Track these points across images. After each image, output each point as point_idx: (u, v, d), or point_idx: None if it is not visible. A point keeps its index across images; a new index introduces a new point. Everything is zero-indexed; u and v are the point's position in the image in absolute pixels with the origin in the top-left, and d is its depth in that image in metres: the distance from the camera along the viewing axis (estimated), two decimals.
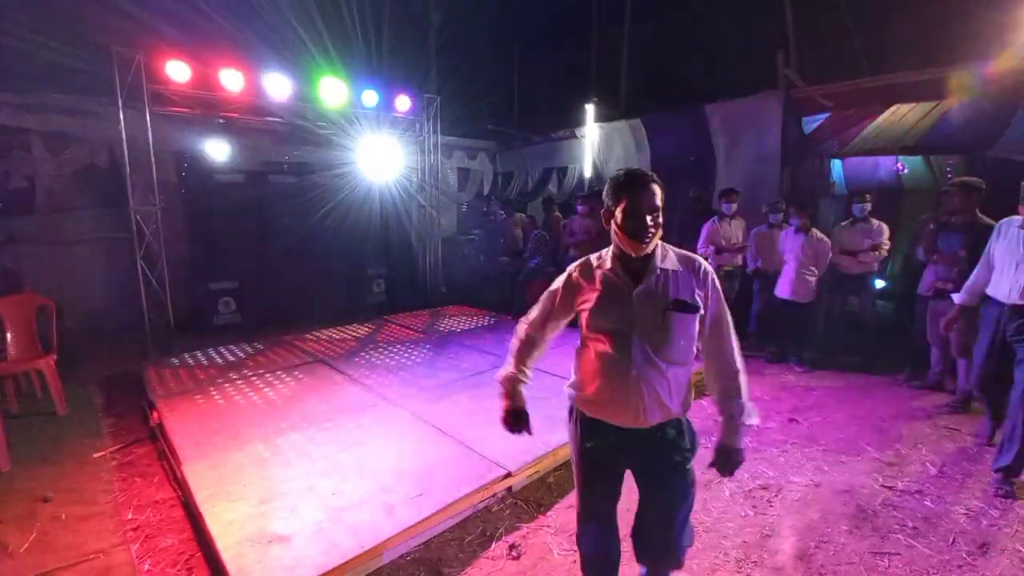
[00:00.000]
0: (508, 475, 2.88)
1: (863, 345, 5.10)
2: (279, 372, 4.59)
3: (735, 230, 5.49)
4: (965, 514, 2.71)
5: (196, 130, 6.66)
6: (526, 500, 2.87)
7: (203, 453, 3.08)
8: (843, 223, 5.08)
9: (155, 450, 3.47)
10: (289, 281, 6.90)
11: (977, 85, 5.30)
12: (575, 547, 2.46)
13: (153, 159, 5.41)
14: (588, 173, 8.43)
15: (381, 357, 5.05)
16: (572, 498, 2.88)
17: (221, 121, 6.07)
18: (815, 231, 5.05)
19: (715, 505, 2.83)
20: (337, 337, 5.85)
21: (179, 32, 6.18)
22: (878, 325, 5.25)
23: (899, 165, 6.15)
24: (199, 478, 2.79)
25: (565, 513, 2.76)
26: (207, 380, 4.38)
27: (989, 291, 3.10)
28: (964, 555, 2.40)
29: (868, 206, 4.89)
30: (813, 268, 4.97)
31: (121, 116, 5.16)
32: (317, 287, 7.17)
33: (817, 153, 6.73)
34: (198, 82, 5.54)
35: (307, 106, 6.46)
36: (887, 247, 4.82)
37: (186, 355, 5.10)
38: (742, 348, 5.23)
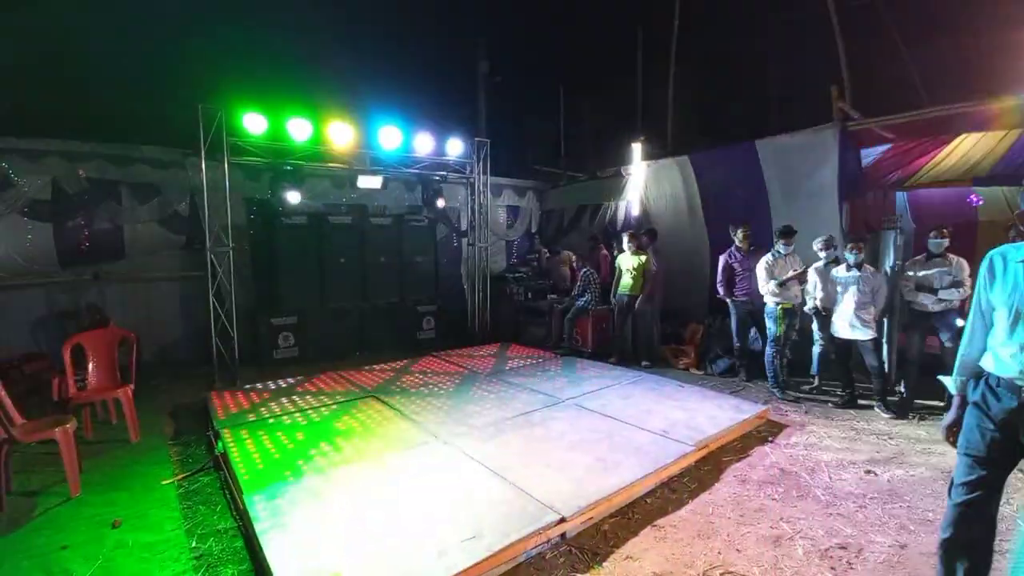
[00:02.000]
0: (562, 520, 2.78)
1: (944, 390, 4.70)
2: (333, 406, 4.70)
3: (791, 266, 5.28)
4: None
5: (265, 177, 7.21)
6: (581, 548, 2.76)
7: (262, 484, 3.16)
8: (917, 258, 4.79)
9: (219, 479, 3.60)
10: (344, 317, 7.18)
11: None
12: None
13: (228, 204, 5.84)
14: (636, 211, 8.40)
15: (431, 394, 5.09)
16: (630, 548, 2.76)
17: (288, 168, 6.51)
18: (868, 267, 4.81)
19: (790, 565, 2.61)
20: (388, 373, 5.95)
21: (251, 84, 6.78)
22: None
23: (973, 196, 5.79)
24: (259, 509, 2.86)
25: (622, 565, 2.62)
26: (267, 412, 4.53)
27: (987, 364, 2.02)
28: None
29: (946, 241, 4.61)
30: (870, 305, 4.72)
31: (203, 166, 5.64)
32: (369, 323, 7.41)
33: (879, 186, 6.47)
34: (269, 132, 6.01)
35: (365, 152, 6.85)
36: (969, 284, 4.49)
37: (247, 386, 5.32)
38: (806, 392, 4.90)
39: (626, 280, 6.84)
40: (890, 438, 4.23)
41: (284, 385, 5.41)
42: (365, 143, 6.73)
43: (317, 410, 4.60)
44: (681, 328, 7.21)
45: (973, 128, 5.60)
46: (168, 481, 3.57)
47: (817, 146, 6.34)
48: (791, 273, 5.19)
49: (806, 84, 6.81)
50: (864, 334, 4.73)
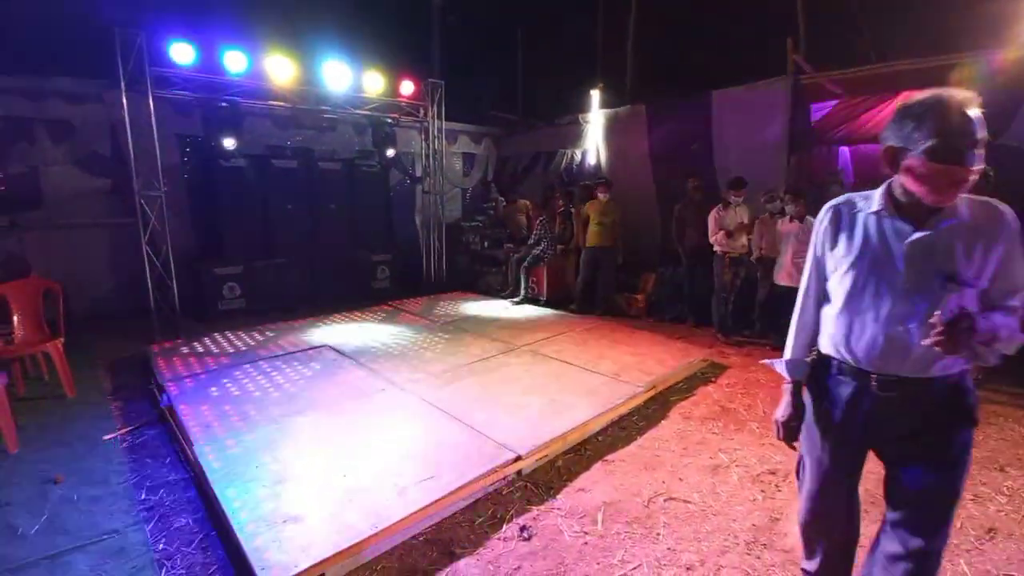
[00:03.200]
0: (518, 458, 2.89)
1: None
2: (286, 357, 4.59)
3: (739, 217, 5.46)
4: (972, 500, 2.73)
5: (198, 114, 6.64)
6: (536, 483, 2.89)
7: (214, 435, 3.09)
8: None
9: (166, 432, 3.49)
10: (293, 267, 6.91)
11: (985, 74, 5.24)
12: (585, 529, 2.51)
13: (157, 143, 5.35)
14: (592, 160, 8.37)
15: (387, 343, 5.06)
16: (581, 481, 2.92)
17: (224, 104, 5.99)
18: (809, 219, 5.05)
19: (726, 489, 2.85)
20: (342, 323, 5.85)
21: (180, 12, 6.10)
22: None
23: None
24: (211, 460, 2.80)
25: (575, 496, 2.78)
26: (215, 364, 4.38)
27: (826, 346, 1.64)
28: (972, 540, 2.42)
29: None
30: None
31: (124, 100, 5.10)
32: (321, 273, 7.17)
33: (825, 141, 6.70)
34: (201, 64, 5.47)
35: (309, 90, 6.39)
36: None
37: (193, 340, 5.10)
38: (747, 336, 5.10)
39: (594, 230, 6.80)
40: None
41: (232, 336, 5.22)
42: (309, 80, 6.26)
43: (269, 360, 4.49)
44: (634, 277, 7.39)
45: (917, 85, 5.78)
46: (110, 436, 3.43)
47: (770, 99, 6.45)
48: (739, 223, 5.37)
49: (763, 35, 6.80)
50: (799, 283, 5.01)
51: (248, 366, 4.35)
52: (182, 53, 5.27)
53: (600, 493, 2.80)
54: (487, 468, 2.75)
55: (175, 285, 5.66)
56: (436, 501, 2.48)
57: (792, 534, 2.47)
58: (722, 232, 5.36)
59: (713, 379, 4.51)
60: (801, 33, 6.85)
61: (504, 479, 2.83)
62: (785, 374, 1.73)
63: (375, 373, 4.17)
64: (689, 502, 2.74)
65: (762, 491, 2.84)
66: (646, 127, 7.74)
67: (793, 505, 2.68)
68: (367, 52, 7.37)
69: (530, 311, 6.53)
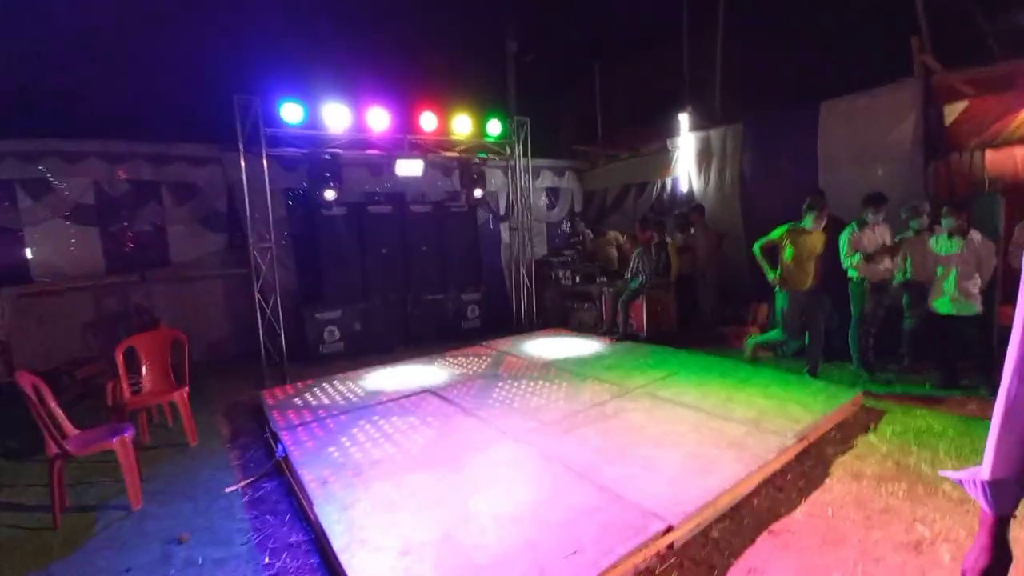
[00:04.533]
0: (669, 529, 2.47)
1: None
2: (389, 404, 4.48)
3: (879, 238, 4.78)
4: None
5: (302, 169, 7.02)
6: (694, 560, 2.44)
7: (331, 493, 2.94)
8: None
9: (283, 485, 3.41)
10: (387, 310, 6.99)
11: None
12: None
13: (269, 199, 5.65)
14: (684, 187, 7.93)
15: (488, 386, 4.83)
16: (749, 559, 2.43)
17: (327, 158, 6.27)
18: (974, 233, 4.30)
19: (937, 573, 2.25)
20: (438, 365, 5.72)
21: (284, 75, 6.55)
22: None
23: None
24: (332, 522, 2.63)
25: None
26: (324, 412, 4.34)
27: None
28: None
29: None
30: (977, 276, 4.26)
31: (242, 162, 5.45)
32: (414, 315, 7.19)
33: (963, 146, 5.86)
34: (307, 122, 5.78)
35: (403, 137, 6.56)
36: None
37: (300, 385, 5.16)
38: (895, 371, 4.14)
39: (674, 262, 6.76)
40: None
41: (336, 381, 5.23)
42: (401, 127, 6.44)
43: (374, 407, 4.39)
44: (743, 308, 6.77)
45: None
46: (232, 488, 3.40)
47: (896, 104, 5.78)
48: (881, 245, 4.69)
49: (870, 37, 6.18)
50: (969, 309, 4.25)
51: (356, 412, 4.27)
52: (292, 113, 5.59)
53: None
54: (637, 541, 2.36)
55: (282, 331, 5.83)
56: None
57: None
58: (859, 255, 4.71)
59: (872, 426, 3.83)
60: (923, 30, 6.13)
61: (656, 555, 2.42)
62: (984, 502, 1.08)
63: (485, 422, 3.92)
64: None
65: None
66: (739, 147, 7.23)
67: None
68: (449, 98, 7.55)
69: (631, 349, 6.09)
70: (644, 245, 6.84)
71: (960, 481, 1.13)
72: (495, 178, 8.50)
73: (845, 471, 3.21)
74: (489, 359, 5.90)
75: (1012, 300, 1.04)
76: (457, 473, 3.13)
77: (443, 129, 6.71)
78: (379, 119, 6.12)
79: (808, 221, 4.72)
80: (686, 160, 7.81)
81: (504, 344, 6.57)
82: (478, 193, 7.48)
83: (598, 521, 2.54)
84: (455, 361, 5.87)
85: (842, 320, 5.17)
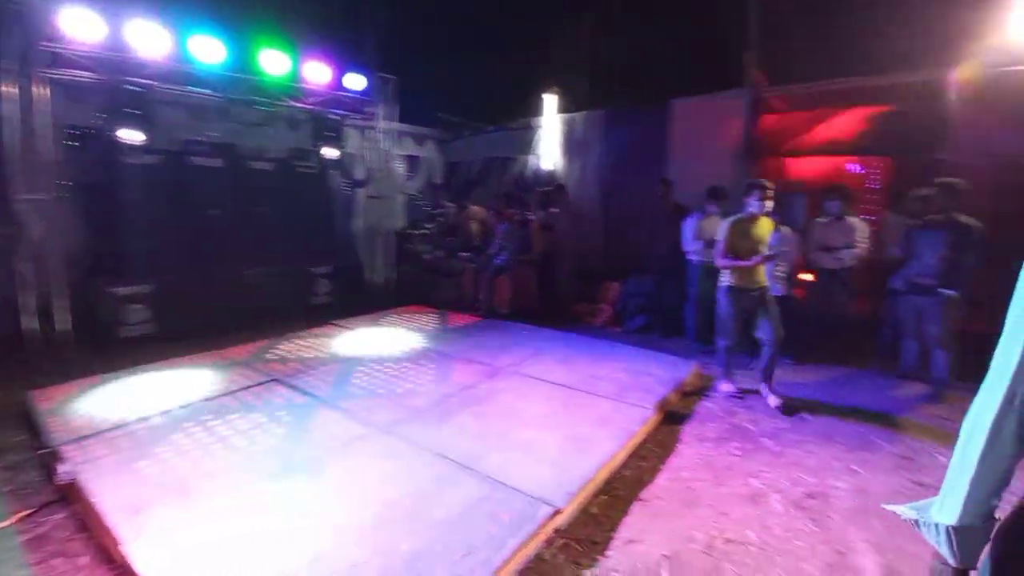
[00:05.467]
0: (557, 512, 2.46)
1: (840, 339, 5.24)
2: (224, 397, 3.77)
3: (717, 226, 5.42)
4: None
5: (94, 102, 5.45)
6: (578, 539, 2.47)
7: (147, 523, 2.32)
8: (820, 219, 5.17)
9: (74, 517, 2.62)
10: (217, 283, 5.90)
11: (924, 93, 5.65)
12: None
13: (45, 136, 4.25)
14: (547, 166, 8.12)
15: (348, 372, 4.37)
16: (627, 530, 2.54)
17: (133, 89, 4.93)
18: (783, 227, 5.13)
19: (775, 522, 2.61)
20: (284, 348, 5.03)
21: None
22: (850, 320, 5.41)
23: (857, 165, 6.48)
24: (153, 567, 2.07)
25: (627, 551, 2.39)
26: (130, 413, 3.47)
27: None
28: None
29: (840, 203, 5.02)
30: (783, 263, 5.06)
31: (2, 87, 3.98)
32: (250, 290, 6.19)
33: (775, 153, 6.95)
34: (105, 41, 4.44)
35: (239, 78, 5.48)
36: (863, 244, 4.96)
37: (90, 379, 4.06)
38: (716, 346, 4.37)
39: (537, 240, 6.83)
40: (803, 385, 4.61)
41: (146, 373, 4.25)
42: (239, 65, 5.36)
43: (204, 403, 3.65)
44: (595, 286, 7.22)
45: (863, 103, 6.14)
46: (4, 524, 2.51)
47: (729, 110, 6.58)
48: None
49: (718, 47, 6.93)
50: (775, 291, 5.04)
51: (179, 413, 3.49)
52: (87, 25, 4.23)
53: (653, 543, 2.45)
54: (527, 530, 2.30)
55: (70, 309, 4.53)
56: None
57: (869, 570, 2.28)
58: (701, 242, 5.28)
59: (708, 393, 4.36)
60: (756, 47, 7.03)
61: (545, 540, 2.38)
62: (947, 552, 0.94)
63: (347, 414, 3.51)
64: (747, 543, 2.46)
65: (812, 519, 2.64)
66: (601, 133, 7.64)
67: (851, 534, 2.51)
68: (306, 42, 6.53)
69: (496, 326, 6.08)
70: (509, 222, 6.85)
71: (915, 523, 0.99)
72: (351, 139, 7.68)
73: (692, 435, 3.59)
74: (347, 340, 5.37)
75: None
76: (320, 478, 2.73)
77: (293, 75, 5.77)
78: (210, 50, 5.00)
79: (752, 207, 3.94)
80: (550, 140, 7.98)
81: (362, 323, 6.05)
82: (334, 154, 6.66)
83: (486, 513, 2.42)
84: (306, 343, 5.23)
85: (681, 298, 5.79)
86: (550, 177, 8.00)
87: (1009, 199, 5.28)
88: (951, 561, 0.93)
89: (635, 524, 2.60)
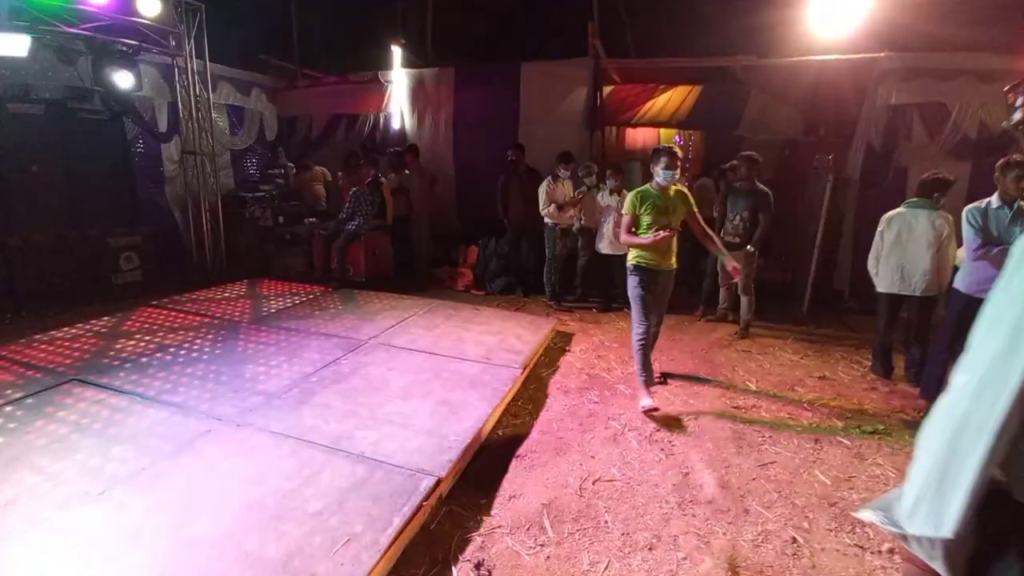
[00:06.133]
0: (439, 482, 2.42)
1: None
2: (13, 410, 2.94)
3: (567, 191, 5.71)
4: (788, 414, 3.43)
5: None
6: (462, 505, 2.48)
7: None
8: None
9: None
10: None
11: (729, 75, 6.54)
12: (540, 542, 2.26)
13: None
14: (396, 124, 7.66)
15: (176, 361, 3.71)
16: (508, 487, 2.64)
17: None
18: (625, 192, 5.64)
19: (633, 456, 2.94)
20: (89, 340, 4.08)
21: None
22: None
23: (677, 137, 7.29)
24: None
25: (511, 507, 2.48)
26: None
27: None
28: (809, 450, 3.03)
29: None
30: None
31: None
32: (29, 269, 4.86)
33: (611, 122, 7.48)
34: None
35: None
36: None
37: None
38: (572, 301, 5.37)
39: (389, 203, 6.57)
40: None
41: None
42: None
43: None
44: (450, 249, 7.16)
45: (683, 81, 6.86)
46: None
47: (575, 78, 6.84)
48: (571, 197, 5.59)
49: (566, 16, 7.10)
50: (621, 251, 5.54)
51: None
52: None
53: (533, 495, 2.57)
54: (412, 505, 2.22)
55: None
56: (371, 572, 1.87)
57: (706, 483, 2.69)
58: (553, 205, 5.52)
59: (567, 348, 4.66)
60: (596, 19, 7.35)
61: (430, 513, 2.34)
62: (941, 566, 0.89)
63: (183, 409, 2.99)
64: (613, 480, 2.73)
65: (662, 449, 3.03)
66: (452, 92, 7.42)
67: (692, 456, 2.94)
68: None
69: (351, 296, 5.69)
70: (360, 184, 6.36)
71: (904, 537, 0.91)
72: (149, 79, 6.27)
73: (557, 389, 3.82)
74: (168, 322, 4.55)
75: None
76: (154, 490, 2.30)
77: None
78: None
79: (659, 176, 3.33)
80: (399, 97, 7.51)
81: (186, 302, 5.17)
82: (126, 84, 5.34)
83: (366, 495, 2.29)
84: (111, 330, 4.30)
85: (538, 260, 6.05)
86: (401, 136, 7.58)
87: (787, 172, 6.53)
88: (944, 572, 0.88)
89: (514, 480, 2.71)
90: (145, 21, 5.19)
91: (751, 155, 4.90)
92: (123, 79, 5.33)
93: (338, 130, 7.96)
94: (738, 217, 4.91)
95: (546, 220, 5.66)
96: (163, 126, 6.71)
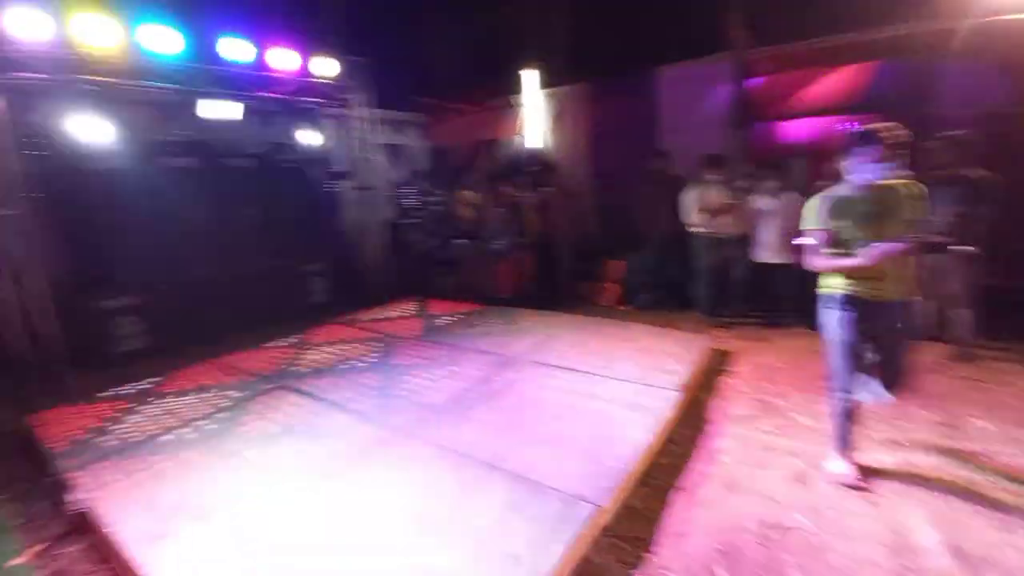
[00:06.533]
0: (599, 510, 2.32)
1: None
2: (229, 409, 3.57)
3: (718, 196, 5.26)
4: None
5: (44, 105, 5.07)
6: (623, 537, 2.34)
7: (169, 551, 2.16)
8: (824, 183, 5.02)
9: (91, 549, 2.43)
10: (205, 290, 5.63)
11: (905, 46, 5.50)
12: None
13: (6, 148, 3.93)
14: (533, 144, 7.86)
15: (356, 372, 4.18)
16: (673, 523, 2.42)
17: (90, 89, 4.56)
18: (789, 192, 4.98)
19: (826, 504, 2.50)
20: (287, 352, 4.81)
21: None
22: None
23: (853, 124, 6.31)
24: None
25: (677, 546, 2.27)
26: (136, 433, 3.26)
27: None
28: None
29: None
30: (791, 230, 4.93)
31: None
32: (242, 294, 5.92)
33: (763, 116, 6.76)
34: (53, 39, 4.08)
35: (200, 69, 5.10)
36: None
37: (87, 402, 3.84)
38: (726, 316, 5.07)
39: (531, 221, 6.65)
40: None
41: (145, 388, 4.03)
42: (198, 54, 4.98)
43: (212, 417, 3.45)
44: (595, 265, 7.05)
45: (848, 61, 5.96)
46: (19, 561, 2.33)
47: (715, 75, 6.36)
48: (722, 204, 5.15)
49: (701, 9, 6.66)
50: (785, 259, 4.91)
51: (183, 432, 3.29)
52: (33, 23, 3.86)
53: (702, 536, 2.32)
54: (571, 532, 2.16)
55: (54, 329, 4.25)
56: None
57: (932, 548, 2.18)
58: (703, 213, 5.12)
59: (728, 369, 4.24)
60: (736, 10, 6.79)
61: (591, 541, 2.24)
62: None
63: (364, 417, 3.33)
64: (801, 528, 2.35)
65: (865, 499, 2.53)
66: (588, 106, 7.39)
67: (909, 512, 2.40)
68: (269, 27, 6.14)
69: (499, 313, 5.89)
70: (503, 205, 6.63)
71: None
72: (328, 130, 7.33)
73: (721, 415, 3.47)
74: (349, 338, 5.16)
75: None
76: (340, 492, 2.56)
77: (258, 63, 5.40)
78: (165, 40, 4.61)
79: (866, 171, 2.42)
80: (535, 117, 7.71)
81: (362, 318, 5.84)
82: (314, 142, 6.34)
83: (524, 517, 2.28)
84: (307, 344, 5.01)
85: (687, 272, 5.65)
86: (539, 156, 7.74)
87: (995, 149, 5.21)
88: None
89: (679, 515, 2.48)
90: (325, 81, 6.07)
91: (953, 135, 4.00)
92: (310, 135, 6.29)
93: (481, 155, 8.43)
94: (948, 212, 4.02)
95: (695, 229, 5.26)
96: (340, 168, 7.79)
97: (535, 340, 4.72)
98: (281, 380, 4.04)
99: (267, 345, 5.04)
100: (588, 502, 2.35)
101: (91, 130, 4.87)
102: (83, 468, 2.86)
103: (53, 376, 4.26)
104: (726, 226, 5.23)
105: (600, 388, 3.60)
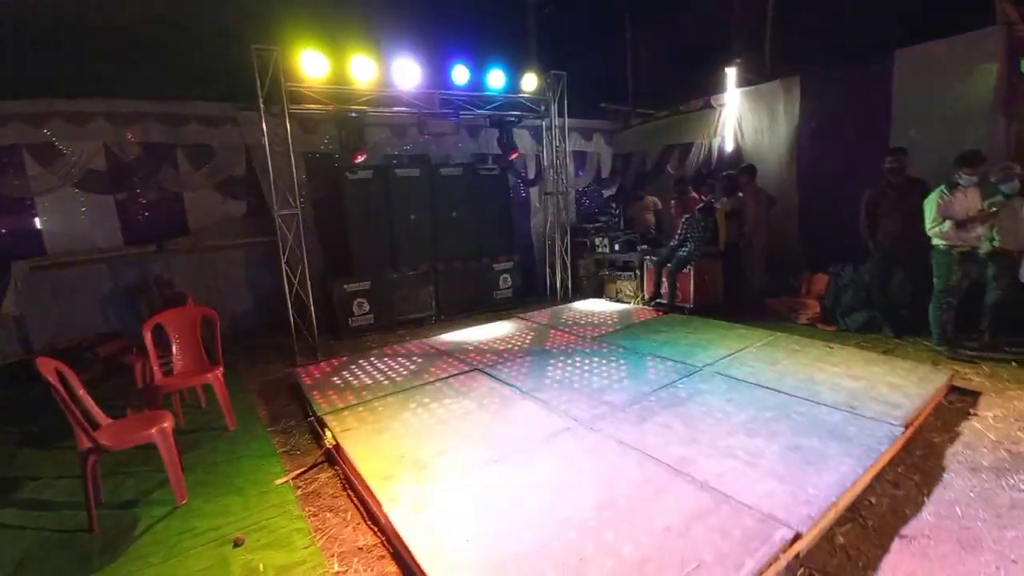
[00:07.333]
0: (797, 537, 2.17)
1: None
2: (438, 384, 4.17)
3: (972, 202, 4.33)
4: None
5: (322, 129, 6.58)
6: (824, 572, 2.15)
7: (398, 491, 2.65)
8: None
9: (337, 476, 3.14)
10: (417, 279, 6.64)
11: None
12: None
13: (293, 161, 5.21)
14: (729, 147, 7.40)
15: (540, 364, 4.51)
16: (886, 571, 2.14)
17: (353, 116, 5.76)
18: None
19: None
20: (479, 339, 5.40)
21: (308, 26, 6.00)
22: None
23: None
24: (408, 528, 2.35)
25: None
26: (368, 393, 4.05)
27: None
28: None
29: None
30: None
31: (263, 122, 4.97)
32: (444, 285, 6.82)
33: None
34: (330, 75, 5.27)
35: (432, 93, 6.03)
36: None
37: (335, 362, 4.87)
38: (972, 347, 3.41)
39: (722, 228, 6.42)
40: None
41: (374, 358, 4.93)
42: (430, 82, 5.90)
43: (421, 388, 4.09)
44: (792, 278, 6.37)
45: None
46: (282, 480, 3.13)
47: (973, 56, 5.22)
48: (979, 210, 4.25)
49: None
50: None
51: (404, 395, 3.97)
52: (314, 64, 5.08)
53: None
54: (765, 553, 2.06)
55: (311, 303, 5.49)
56: None
57: None
58: (950, 221, 4.27)
59: (971, 411, 3.50)
60: None
61: (786, 567, 2.12)
62: None
63: (548, 406, 3.61)
64: None
65: None
66: (797, 102, 6.68)
67: None
68: (475, 51, 6.93)
69: (681, 322, 5.74)
70: (692, 210, 6.41)
71: None
72: (522, 140, 7.96)
73: (960, 462, 2.90)
74: (532, 332, 5.57)
75: None
76: (529, 468, 2.83)
77: (475, 84, 6.18)
78: (408, 73, 5.59)
79: None
80: (733, 118, 7.26)
81: (543, 316, 6.25)
82: (516, 154, 7.03)
83: (712, 527, 2.24)
84: (496, 334, 5.55)
85: (919, 292, 4.79)
86: (736, 158, 7.27)
87: None
88: None
89: (899, 565, 2.18)
90: (525, 96, 6.63)
91: None
92: (511, 144, 6.95)
93: (671, 160, 8.23)
94: None
95: (936, 242, 4.42)
96: (531, 174, 8.40)
97: (720, 352, 4.50)
98: (475, 364, 4.57)
99: (460, 330, 5.72)
100: (784, 524, 2.21)
101: (352, 147, 6.08)
102: (333, 413, 3.66)
103: (308, 339, 5.47)
104: (980, 239, 4.30)
105: (796, 410, 3.31)
